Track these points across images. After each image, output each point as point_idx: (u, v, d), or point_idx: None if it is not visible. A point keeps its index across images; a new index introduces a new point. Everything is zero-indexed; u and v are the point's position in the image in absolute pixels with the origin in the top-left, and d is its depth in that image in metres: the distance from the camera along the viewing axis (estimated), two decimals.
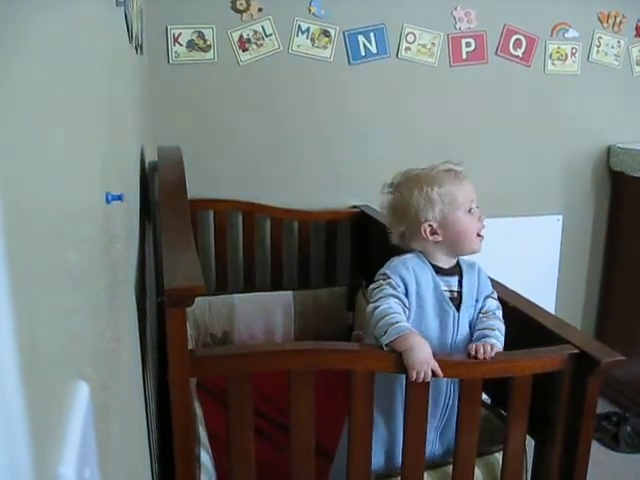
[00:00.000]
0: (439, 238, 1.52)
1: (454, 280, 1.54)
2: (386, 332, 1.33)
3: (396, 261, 1.52)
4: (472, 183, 1.56)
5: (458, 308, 1.51)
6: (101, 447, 0.58)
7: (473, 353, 1.39)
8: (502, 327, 1.50)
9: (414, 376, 1.31)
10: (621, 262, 3.06)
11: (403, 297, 1.45)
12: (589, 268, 3.19)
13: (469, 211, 1.53)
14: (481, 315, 1.54)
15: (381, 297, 1.43)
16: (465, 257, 1.59)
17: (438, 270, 1.53)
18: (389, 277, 1.47)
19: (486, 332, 1.47)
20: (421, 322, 1.47)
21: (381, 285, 1.46)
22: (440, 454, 1.56)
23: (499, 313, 1.55)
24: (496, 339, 1.44)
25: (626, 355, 1.38)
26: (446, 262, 1.54)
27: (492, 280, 1.61)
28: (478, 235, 1.53)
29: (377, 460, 1.47)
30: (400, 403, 1.47)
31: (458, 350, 1.49)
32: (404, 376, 1.35)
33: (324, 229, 2.72)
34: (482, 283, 1.57)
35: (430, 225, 1.52)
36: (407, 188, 1.55)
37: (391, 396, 1.49)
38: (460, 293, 1.53)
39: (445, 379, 1.44)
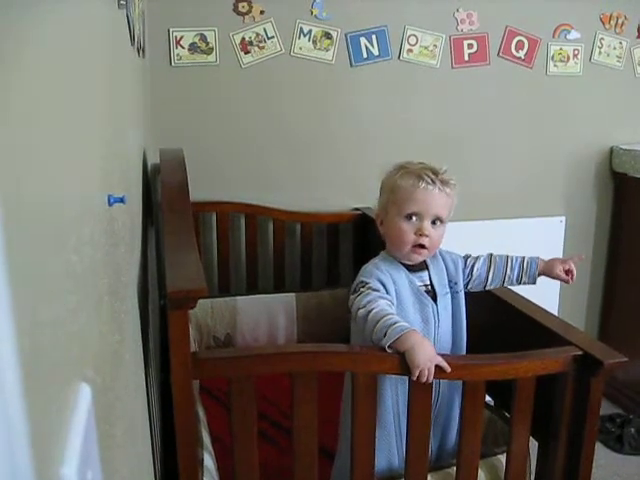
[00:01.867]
0: (383, 231, 1.54)
1: (425, 274, 1.55)
2: (386, 334, 1.32)
3: (369, 267, 1.52)
4: (439, 197, 1.48)
5: (435, 300, 1.53)
6: (103, 449, 0.58)
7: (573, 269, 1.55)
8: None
9: (417, 374, 1.30)
10: (624, 263, 3.05)
11: (388, 296, 1.45)
12: (592, 269, 3.19)
13: (410, 219, 1.49)
14: (485, 269, 1.60)
15: (369, 301, 1.41)
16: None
17: (408, 268, 1.54)
18: (367, 282, 1.46)
19: (512, 259, 1.60)
20: (404, 319, 1.46)
21: (362, 292, 1.45)
22: (435, 453, 1.55)
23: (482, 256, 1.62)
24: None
25: (629, 356, 1.38)
26: (398, 256, 1.54)
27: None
28: (414, 246, 1.49)
29: (379, 464, 1.48)
30: (391, 407, 1.47)
31: (442, 341, 1.52)
32: (395, 380, 1.35)
33: (326, 231, 2.72)
34: (449, 266, 1.58)
35: (380, 217, 1.54)
36: (389, 174, 1.56)
37: (381, 401, 1.48)
38: (432, 285, 1.55)
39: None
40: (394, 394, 1.47)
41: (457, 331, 1.57)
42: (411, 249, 1.50)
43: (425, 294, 1.53)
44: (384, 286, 1.47)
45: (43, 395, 0.42)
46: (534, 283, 1.61)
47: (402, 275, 1.52)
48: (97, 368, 0.63)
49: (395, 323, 1.33)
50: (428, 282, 1.55)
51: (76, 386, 0.51)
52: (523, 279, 1.60)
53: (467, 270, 1.60)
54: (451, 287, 1.57)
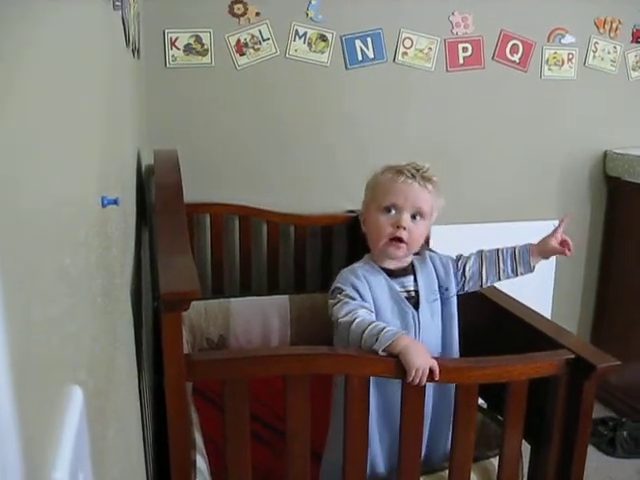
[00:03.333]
0: (364, 230, 1.53)
1: (408, 280, 1.54)
2: (377, 339, 1.32)
3: (346, 272, 1.51)
4: (418, 190, 1.48)
5: (416, 307, 1.51)
6: (96, 452, 0.57)
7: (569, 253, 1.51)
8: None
9: (413, 374, 1.29)
10: (617, 267, 3.06)
11: (366, 304, 1.44)
12: (585, 273, 3.20)
13: (388, 212, 1.48)
14: (477, 267, 1.57)
15: (349, 311, 1.40)
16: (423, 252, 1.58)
17: (390, 273, 1.52)
18: (342, 290, 1.46)
19: (503, 251, 1.57)
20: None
21: (340, 300, 1.44)
22: (425, 455, 1.55)
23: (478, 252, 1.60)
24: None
25: (622, 360, 1.39)
26: (392, 264, 1.53)
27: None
28: (392, 240, 1.48)
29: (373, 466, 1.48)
30: (373, 410, 1.46)
31: (430, 349, 1.49)
32: (375, 383, 1.35)
33: (320, 233, 2.72)
34: (440, 270, 1.57)
35: (361, 214, 1.55)
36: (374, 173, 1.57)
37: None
38: (417, 292, 1.53)
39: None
40: (373, 397, 1.43)
41: (448, 337, 1.56)
42: (388, 242, 1.48)
43: (405, 300, 1.51)
44: (358, 292, 1.46)
45: (34, 398, 0.42)
46: (532, 271, 1.58)
47: (381, 280, 1.50)
48: (89, 370, 0.63)
49: (384, 329, 1.33)
50: (411, 288, 1.53)
51: (68, 389, 0.51)
52: (519, 270, 1.56)
53: (459, 272, 1.58)
54: (442, 293, 1.55)
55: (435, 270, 1.57)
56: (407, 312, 1.50)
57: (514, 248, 1.57)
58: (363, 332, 1.34)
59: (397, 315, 1.49)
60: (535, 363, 1.41)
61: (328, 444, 1.58)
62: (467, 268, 1.58)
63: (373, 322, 1.36)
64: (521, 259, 1.56)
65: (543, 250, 1.54)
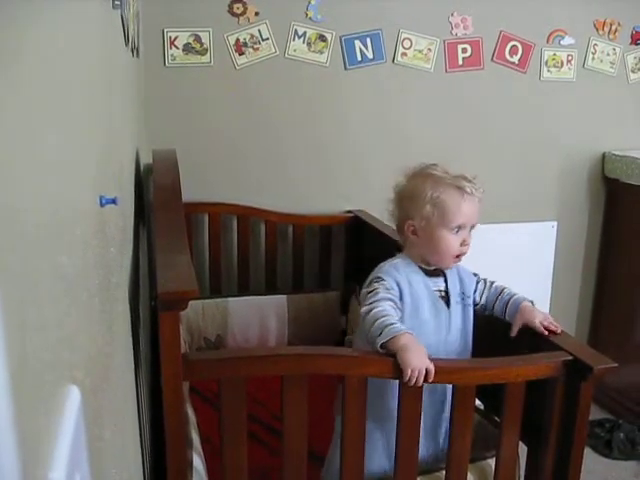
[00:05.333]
0: (417, 240, 1.54)
1: (440, 280, 1.58)
2: (381, 333, 1.34)
3: (387, 265, 1.55)
4: (476, 205, 1.54)
5: (448, 306, 1.56)
6: (93, 451, 0.57)
7: (553, 328, 1.48)
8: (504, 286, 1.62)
9: (409, 374, 1.29)
10: (615, 269, 3.06)
11: (397, 300, 1.47)
12: (583, 274, 3.20)
13: (456, 232, 1.52)
14: (486, 296, 1.62)
15: (375, 300, 1.44)
16: None
17: (424, 272, 1.56)
18: (383, 280, 1.49)
19: (505, 293, 1.59)
20: (417, 322, 1.48)
21: (375, 289, 1.47)
22: (430, 456, 1.56)
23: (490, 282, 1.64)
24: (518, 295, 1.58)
25: (619, 362, 1.39)
26: (427, 264, 1.57)
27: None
28: (456, 256, 1.54)
29: (381, 465, 1.49)
30: (394, 410, 1.47)
31: (452, 346, 1.54)
32: (397, 383, 1.35)
33: (318, 233, 2.72)
34: (464, 279, 1.61)
35: (413, 225, 1.54)
36: (415, 180, 1.58)
37: (384, 403, 1.48)
38: (447, 292, 1.57)
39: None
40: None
41: (464, 343, 1.59)
42: (454, 259, 1.54)
43: (439, 299, 1.56)
44: (399, 285, 1.49)
45: (31, 398, 0.42)
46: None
47: (419, 278, 1.54)
48: (86, 370, 0.63)
49: (392, 324, 1.35)
50: (442, 288, 1.58)
51: (65, 388, 0.51)
52: (506, 317, 1.59)
53: (470, 299, 1.62)
54: (462, 299, 1.59)
55: (460, 276, 1.61)
56: (441, 310, 1.55)
57: (511, 297, 1.59)
58: (374, 322, 1.37)
59: (432, 313, 1.53)
60: (532, 365, 1.42)
61: (333, 447, 1.58)
62: (478, 288, 1.64)
63: (387, 315, 1.38)
64: (508, 311, 1.59)
65: (527, 321, 1.53)
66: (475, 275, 1.65)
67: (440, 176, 1.54)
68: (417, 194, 1.55)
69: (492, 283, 1.65)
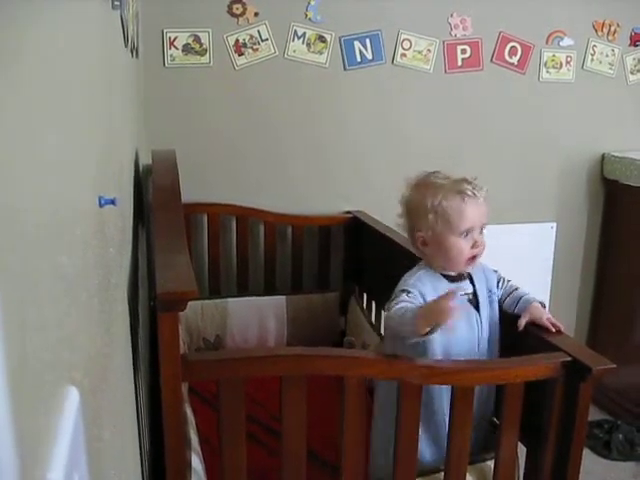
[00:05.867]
0: (428, 250, 1.54)
1: (466, 284, 1.58)
2: (406, 327, 1.38)
3: (412, 279, 1.54)
4: (482, 205, 1.53)
5: (477, 308, 1.57)
6: (92, 452, 0.57)
7: (554, 330, 1.50)
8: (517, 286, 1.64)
9: (450, 324, 1.32)
10: (614, 270, 3.07)
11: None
12: (582, 275, 3.20)
13: (464, 236, 1.52)
14: (501, 292, 1.64)
15: (398, 302, 1.45)
16: None
17: (448, 278, 1.57)
18: (409, 292, 1.50)
19: (519, 290, 1.61)
20: (450, 329, 1.47)
21: (398, 298, 1.47)
22: (432, 457, 1.56)
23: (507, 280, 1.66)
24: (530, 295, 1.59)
25: (618, 363, 1.39)
26: (448, 270, 1.58)
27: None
28: (470, 259, 1.54)
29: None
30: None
31: (485, 347, 1.56)
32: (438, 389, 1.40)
33: (317, 234, 2.72)
34: (488, 275, 1.62)
35: (422, 236, 1.54)
36: (416, 191, 1.58)
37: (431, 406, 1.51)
38: (475, 294, 1.58)
39: (445, 387, 1.45)
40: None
41: (494, 340, 1.60)
42: (467, 262, 1.54)
43: (467, 303, 1.56)
44: (424, 297, 1.50)
45: (30, 398, 0.42)
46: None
47: (444, 286, 1.53)
48: (85, 370, 0.62)
49: (406, 311, 1.39)
50: (470, 291, 1.58)
51: (64, 389, 0.51)
52: (515, 310, 1.60)
53: (495, 295, 1.64)
54: (489, 296, 1.61)
55: (485, 274, 1.62)
56: (471, 314, 1.55)
57: (523, 295, 1.61)
58: (398, 320, 1.41)
59: (464, 317, 1.52)
60: (531, 365, 1.42)
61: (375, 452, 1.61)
62: (499, 285, 1.65)
63: (403, 309, 1.41)
64: (518, 307, 1.60)
65: (534, 316, 1.55)
66: (495, 271, 1.66)
67: (440, 183, 1.54)
68: (419, 205, 1.55)
69: (508, 281, 1.67)
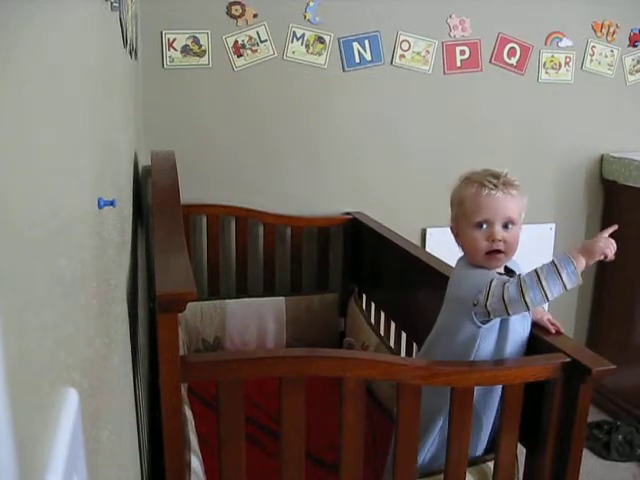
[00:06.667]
0: (459, 243, 1.56)
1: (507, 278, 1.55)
2: (560, 276, 1.48)
3: (475, 278, 1.51)
4: (506, 200, 1.50)
5: None
6: (90, 453, 0.57)
7: (553, 331, 1.50)
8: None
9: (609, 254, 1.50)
10: (613, 270, 3.06)
11: None
12: (582, 276, 3.19)
13: (480, 227, 1.50)
14: None
15: (503, 283, 1.42)
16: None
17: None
18: (491, 278, 1.46)
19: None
20: (509, 322, 1.47)
21: (495, 283, 1.44)
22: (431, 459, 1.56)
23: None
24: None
25: (617, 364, 1.39)
26: (489, 267, 1.54)
27: None
28: (489, 253, 1.50)
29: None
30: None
31: (525, 338, 1.53)
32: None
33: (317, 235, 2.72)
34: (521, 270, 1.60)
35: (452, 227, 1.57)
36: (455, 186, 1.58)
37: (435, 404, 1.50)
38: None
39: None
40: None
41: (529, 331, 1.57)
42: (486, 256, 1.50)
43: None
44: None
45: (29, 400, 0.42)
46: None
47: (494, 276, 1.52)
48: (84, 372, 0.62)
49: (552, 264, 1.48)
50: None
51: (62, 390, 0.51)
52: None
53: None
54: None
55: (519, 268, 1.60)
56: (526, 314, 1.51)
57: None
58: (538, 278, 1.44)
59: (519, 317, 1.50)
60: (531, 366, 1.42)
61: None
62: None
63: (535, 271, 1.45)
64: None
65: (534, 318, 1.54)
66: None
67: (471, 177, 1.54)
68: (451, 197, 1.57)
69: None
